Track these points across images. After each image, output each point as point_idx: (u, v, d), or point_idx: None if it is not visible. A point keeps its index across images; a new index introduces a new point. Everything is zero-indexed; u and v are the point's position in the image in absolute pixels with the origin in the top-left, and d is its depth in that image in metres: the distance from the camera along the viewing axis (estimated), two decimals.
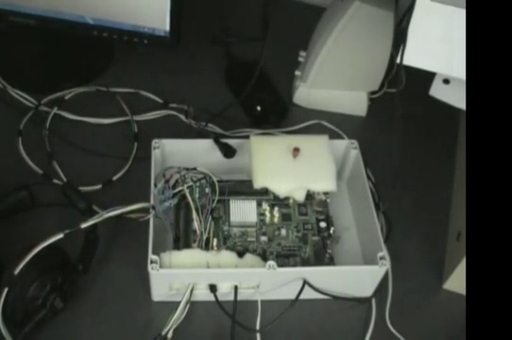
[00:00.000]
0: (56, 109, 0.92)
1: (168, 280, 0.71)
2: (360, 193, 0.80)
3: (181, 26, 0.90)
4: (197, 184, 0.77)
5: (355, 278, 0.74)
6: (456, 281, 0.77)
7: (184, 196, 0.76)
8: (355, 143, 0.83)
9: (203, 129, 0.89)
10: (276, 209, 0.80)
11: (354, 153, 0.83)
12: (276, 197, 0.80)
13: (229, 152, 0.82)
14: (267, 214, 0.80)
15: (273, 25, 0.91)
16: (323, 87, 0.95)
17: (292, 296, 0.72)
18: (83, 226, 0.68)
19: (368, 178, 0.83)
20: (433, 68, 0.70)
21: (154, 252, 0.70)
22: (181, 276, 0.71)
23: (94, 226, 0.69)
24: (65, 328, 0.71)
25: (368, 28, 0.87)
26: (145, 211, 0.73)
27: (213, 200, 0.77)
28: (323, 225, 0.79)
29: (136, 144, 0.90)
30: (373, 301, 0.76)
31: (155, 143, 0.81)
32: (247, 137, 0.82)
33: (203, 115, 0.91)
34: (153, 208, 0.73)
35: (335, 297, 0.75)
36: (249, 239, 0.78)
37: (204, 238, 0.74)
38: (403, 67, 0.69)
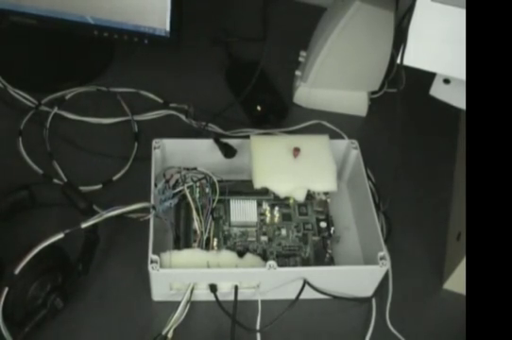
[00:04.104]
0: (56, 108, 0.92)
1: (168, 280, 0.71)
2: (360, 193, 0.80)
3: (181, 26, 0.89)
4: (198, 184, 0.77)
5: (355, 278, 0.74)
6: (456, 281, 0.77)
7: (184, 196, 0.76)
8: (355, 143, 0.83)
9: (203, 129, 0.89)
10: (276, 209, 0.80)
11: (354, 153, 0.83)
12: (276, 197, 0.80)
13: (229, 152, 0.82)
14: (268, 214, 0.80)
15: (273, 25, 0.91)
16: (323, 87, 0.95)
17: (292, 296, 0.72)
18: (83, 226, 0.68)
19: (368, 178, 0.83)
20: (433, 68, 0.70)
21: (154, 252, 0.70)
22: (182, 276, 0.71)
23: (95, 226, 0.69)
24: (65, 328, 0.71)
25: (369, 28, 0.87)
26: (146, 211, 0.73)
27: (214, 200, 0.77)
28: (323, 225, 0.79)
29: (136, 144, 0.90)
30: (373, 301, 0.76)
31: (155, 143, 0.81)
32: (248, 137, 0.82)
33: (203, 115, 0.91)
34: (153, 208, 0.73)
35: (335, 297, 0.75)
36: (250, 239, 0.78)
37: (204, 238, 0.74)
38: (403, 67, 0.69)
